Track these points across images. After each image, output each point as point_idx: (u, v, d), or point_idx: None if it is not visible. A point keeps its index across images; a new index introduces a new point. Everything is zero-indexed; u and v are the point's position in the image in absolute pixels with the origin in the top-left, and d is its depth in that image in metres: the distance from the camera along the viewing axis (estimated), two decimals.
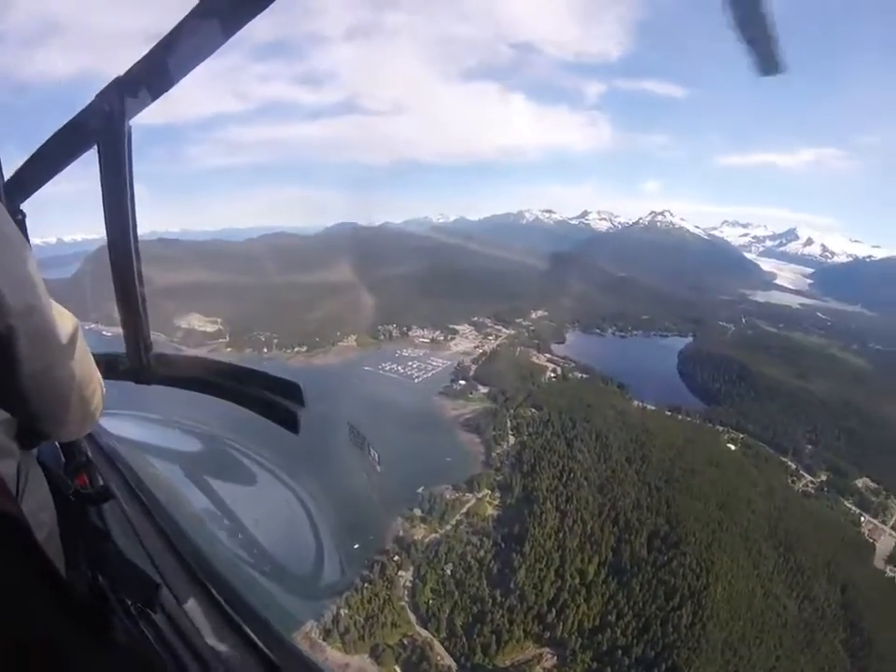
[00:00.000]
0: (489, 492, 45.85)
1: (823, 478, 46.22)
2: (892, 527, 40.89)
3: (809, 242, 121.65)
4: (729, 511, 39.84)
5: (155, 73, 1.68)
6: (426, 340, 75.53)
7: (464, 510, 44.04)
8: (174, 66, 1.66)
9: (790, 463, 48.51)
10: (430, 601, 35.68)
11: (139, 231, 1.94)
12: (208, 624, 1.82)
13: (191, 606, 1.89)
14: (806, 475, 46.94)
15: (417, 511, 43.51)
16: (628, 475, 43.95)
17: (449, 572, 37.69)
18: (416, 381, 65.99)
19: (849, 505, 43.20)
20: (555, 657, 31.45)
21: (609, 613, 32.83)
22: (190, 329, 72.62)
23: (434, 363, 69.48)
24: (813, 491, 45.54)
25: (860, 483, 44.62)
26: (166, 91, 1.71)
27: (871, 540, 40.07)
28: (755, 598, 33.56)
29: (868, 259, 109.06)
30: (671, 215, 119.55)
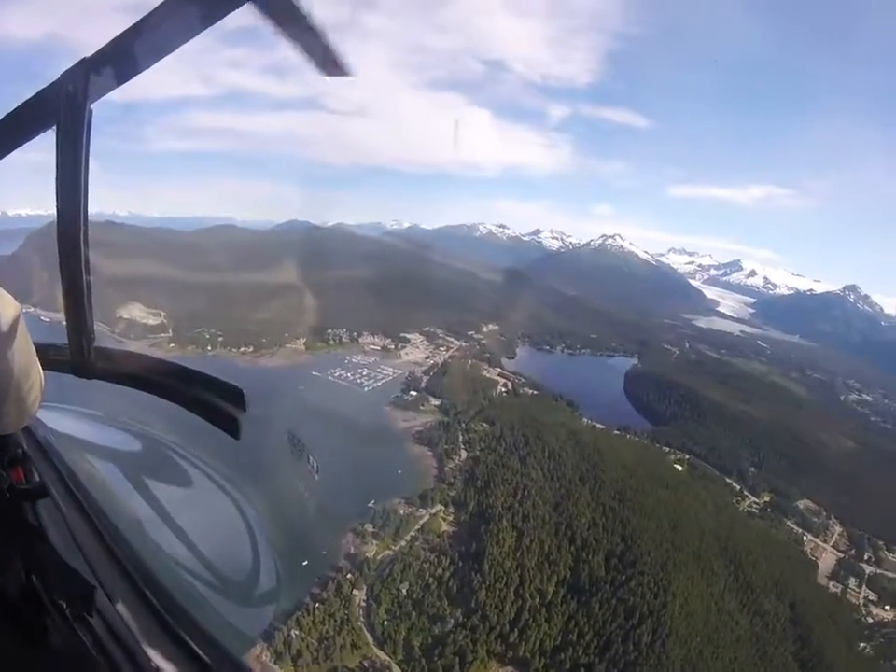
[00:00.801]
0: (443, 507, 45.13)
1: (766, 499, 48.20)
2: (833, 546, 42.95)
3: (752, 273, 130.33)
4: (680, 530, 40.61)
5: (124, 57, 1.62)
6: (376, 347, 74.13)
7: (418, 525, 43.08)
8: (144, 52, 1.59)
9: (734, 484, 50.33)
10: (385, 622, 34.38)
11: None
12: (143, 628, 1.78)
13: (127, 609, 1.83)
14: (750, 496, 48.79)
15: (369, 527, 42.29)
16: (582, 494, 44.10)
17: (405, 591, 36.53)
18: (366, 389, 64.52)
19: (792, 525, 45.21)
20: None
21: (571, 632, 32.61)
22: (132, 321, 68.51)
23: (384, 372, 68.12)
24: (757, 511, 47.38)
25: (801, 504, 46.85)
26: (133, 76, 1.64)
27: (813, 558, 42.03)
28: (710, 615, 34.29)
29: (808, 293, 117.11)
30: (621, 239, 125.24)
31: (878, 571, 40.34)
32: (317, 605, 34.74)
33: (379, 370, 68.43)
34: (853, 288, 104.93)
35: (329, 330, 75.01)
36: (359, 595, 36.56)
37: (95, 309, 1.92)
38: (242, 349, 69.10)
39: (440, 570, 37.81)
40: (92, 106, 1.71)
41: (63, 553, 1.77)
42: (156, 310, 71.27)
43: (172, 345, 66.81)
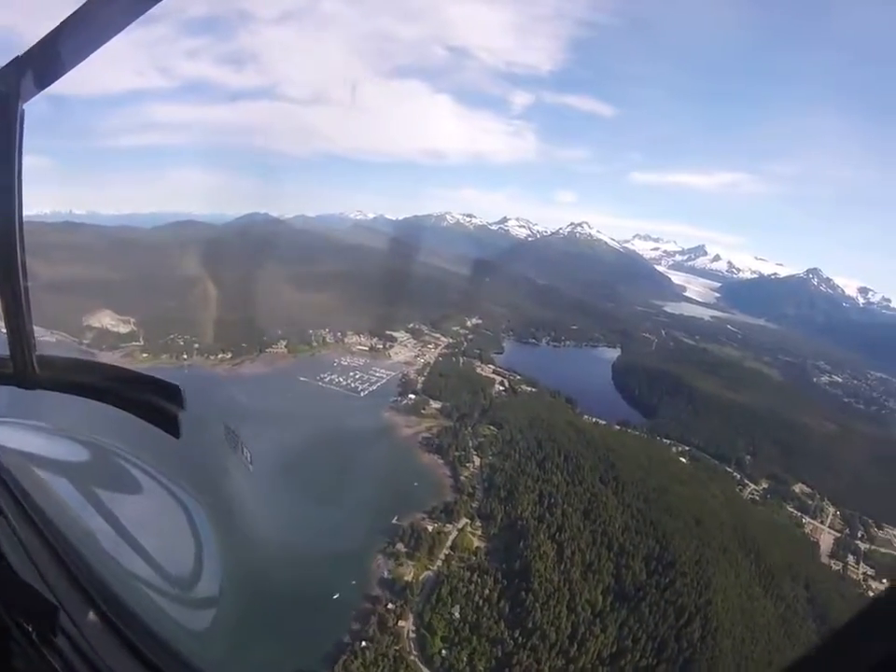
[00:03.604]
0: (468, 521, 46.08)
1: (765, 485, 54.05)
2: (829, 526, 49.32)
3: (717, 258, 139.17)
4: (704, 525, 45.12)
5: (56, 55, 1.71)
6: (364, 347, 74.48)
7: (448, 542, 43.62)
8: (75, 49, 1.68)
9: (734, 473, 55.91)
10: (443, 651, 34.81)
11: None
12: (105, 646, 1.89)
13: (90, 628, 1.94)
14: (750, 483, 54.52)
15: (401, 547, 42.34)
16: (608, 498, 47.26)
17: (458, 615, 36.84)
18: (362, 394, 64.66)
19: (791, 509, 51.33)
20: None
21: (626, 639, 35.84)
22: (102, 330, 66.13)
23: (377, 374, 68.67)
24: (758, 498, 53.16)
25: (797, 488, 53.03)
26: (65, 73, 1.76)
27: (814, 539, 48.14)
28: (744, 603, 38.99)
29: (772, 277, 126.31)
30: (589, 226, 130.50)
31: (872, 547, 46.92)
32: (363, 643, 33.98)
33: (371, 372, 68.82)
34: (815, 272, 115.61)
35: (311, 331, 74.33)
36: (406, 625, 35.99)
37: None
38: (220, 356, 67.54)
39: (486, 590, 38.98)
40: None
41: (21, 573, 1.85)
42: (125, 316, 68.42)
43: (145, 355, 64.78)
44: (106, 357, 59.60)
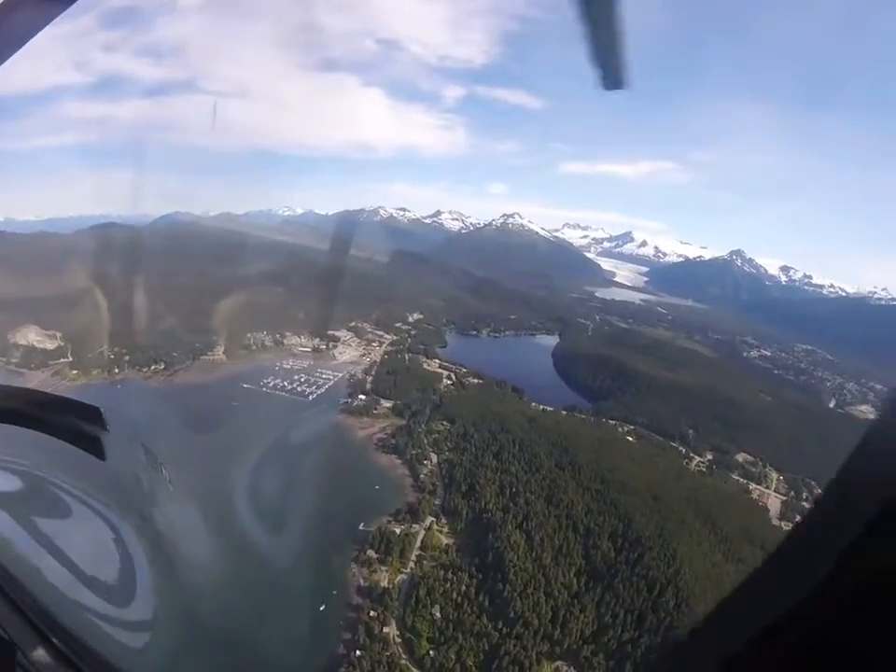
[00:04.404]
0: (434, 519, 46.10)
1: (709, 457, 56.59)
2: (775, 491, 52.27)
3: (644, 244, 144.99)
4: (661, 500, 46.70)
5: None
6: (306, 349, 72.17)
7: (417, 543, 43.62)
8: None
9: (679, 447, 58.28)
10: (431, 651, 34.89)
11: None
12: None
13: (44, 662, 1.92)
14: (696, 456, 56.91)
15: (371, 553, 42.00)
16: (567, 482, 48.16)
17: (439, 615, 37.04)
18: (310, 398, 62.59)
19: (737, 477, 54.05)
20: (572, 667, 34.35)
21: (605, 615, 36.59)
22: (29, 348, 61.41)
23: (324, 376, 66.58)
24: (705, 469, 55.59)
25: (739, 458, 55.86)
26: None
27: (762, 504, 50.87)
28: (708, 570, 40.60)
29: (697, 259, 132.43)
30: (520, 217, 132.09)
31: None
32: (358, 653, 34.07)
33: (317, 374, 66.74)
34: (738, 253, 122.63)
35: (249, 335, 71.50)
36: (391, 630, 36.07)
37: None
38: (153, 367, 63.76)
39: (463, 587, 39.08)
40: None
41: None
42: (51, 331, 63.70)
43: (75, 372, 60.63)
44: (36, 376, 57.39)
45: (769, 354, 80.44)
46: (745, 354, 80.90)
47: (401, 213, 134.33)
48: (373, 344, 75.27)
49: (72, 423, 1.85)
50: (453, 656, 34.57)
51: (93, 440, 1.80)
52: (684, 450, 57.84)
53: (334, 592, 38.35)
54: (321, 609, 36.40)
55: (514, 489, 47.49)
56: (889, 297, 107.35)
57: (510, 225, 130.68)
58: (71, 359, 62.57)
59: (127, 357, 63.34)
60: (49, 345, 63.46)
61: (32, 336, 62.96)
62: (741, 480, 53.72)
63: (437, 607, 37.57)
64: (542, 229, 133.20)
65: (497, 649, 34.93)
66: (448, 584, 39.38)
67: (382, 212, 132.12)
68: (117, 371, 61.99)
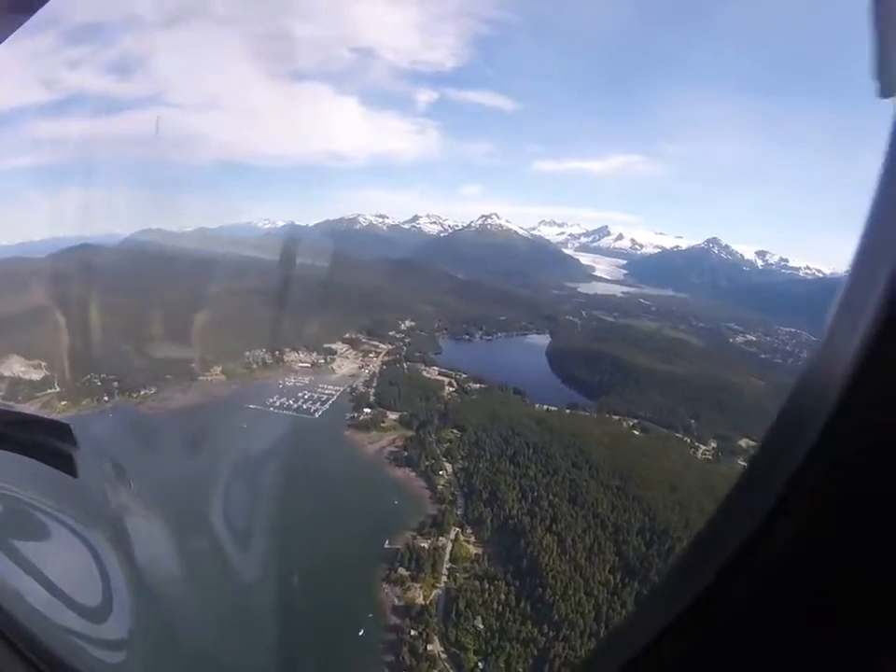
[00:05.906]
0: (459, 530, 46.40)
1: (714, 445, 58.71)
2: None
3: (620, 237, 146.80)
4: (679, 491, 48.47)
5: None
6: (306, 364, 71.57)
7: (447, 556, 43.88)
8: None
9: (684, 438, 60.24)
10: (479, 664, 35.15)
11: None
12: None
13: None
14: (701, 445, 58.87)
15: (402, 570, 42.02)
16: (587, 481, 49.22)
17: (482, 626, 37.20)
18: (317, 415, 62.15)
19: (743, 462, 56.11)
20: None
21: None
22: (15, 379, 58.75)
23: (326, 391, 66.21)
24: (711, 458, 57.65)
25: (743, 443, 58.02)
26: None
27: None
28: None
29: (674, 249, 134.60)
30: (498, 217, 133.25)
31: None
32: None
33: (319, 389, 66.22)
34: (714, 241, 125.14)
35: (247, 353, 70.09)
36: (435, 647, 36.08)
37: None
38: (143, 392, 61.71)
39: (502, 595, 39.48)
40: None
41: None
42: (35, 360, 61.23)
43: (64, 403, 58.11)
44: (26, 409, 54.13)
45: (754, 339, 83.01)
46: (731, 340, 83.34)
47: (380, 220, 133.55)
48: (370, 355, 75.21)
49: (43, 441, 1.88)
50: (503, 665, 35.07)
51: (65, 457, 1.84)
52: (689, 440, 59.60)
53: (370, 615, 38.08)
54: (360, 633, 36.24)
55: (536, 493, 48.32)
56: None
57: (488, 226, 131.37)
58: (59, 389, 60.19)
59: (116, 384, 61.17)
60: (35, 376, 60.79)
61: (16, 367, 60.34)
62: (746, 465, 55.73)
63: (479, 618, 37.73)
64: (520, 227, 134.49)
65: (547, 652, 35.56)
66: (486, 594, 39.68)
67: (361, 220, 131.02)
68: (106, 398, 59.79)
